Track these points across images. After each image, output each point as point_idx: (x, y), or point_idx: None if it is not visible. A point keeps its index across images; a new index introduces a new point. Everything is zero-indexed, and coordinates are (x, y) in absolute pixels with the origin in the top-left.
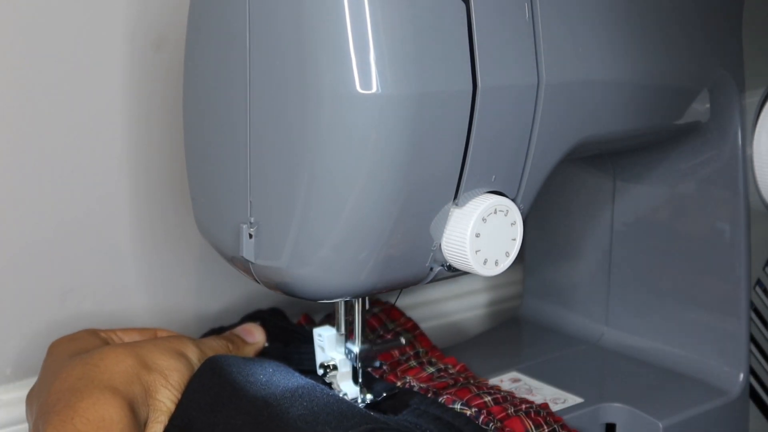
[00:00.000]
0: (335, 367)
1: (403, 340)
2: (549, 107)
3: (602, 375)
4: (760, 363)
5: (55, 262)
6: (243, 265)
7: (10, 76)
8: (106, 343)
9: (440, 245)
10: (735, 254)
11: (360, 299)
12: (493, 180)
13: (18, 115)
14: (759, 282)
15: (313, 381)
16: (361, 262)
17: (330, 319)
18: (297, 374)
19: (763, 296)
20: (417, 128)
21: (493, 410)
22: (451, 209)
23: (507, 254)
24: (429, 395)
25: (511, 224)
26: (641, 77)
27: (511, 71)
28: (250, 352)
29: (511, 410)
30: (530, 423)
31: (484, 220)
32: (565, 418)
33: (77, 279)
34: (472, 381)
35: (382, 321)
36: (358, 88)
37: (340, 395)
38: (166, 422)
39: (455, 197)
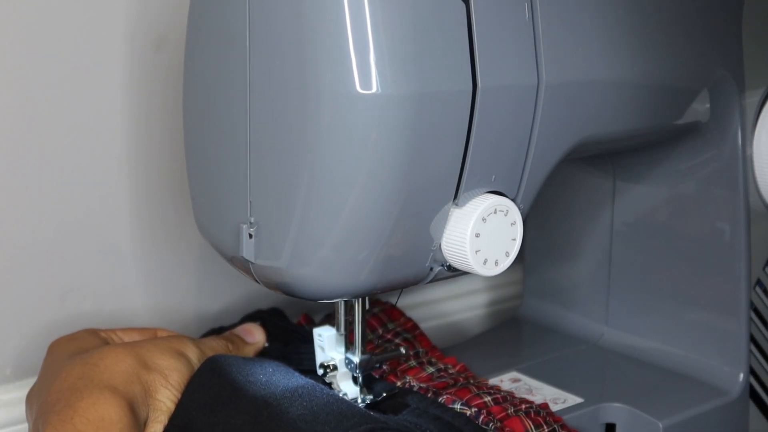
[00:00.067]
0: (335, 367)
1: (402, 350)
2: (549, 107)
3: (602, 375)
4: (760, 363)
5: (55, 262)
6: (243, 265)
7: (10, 76)
8: (106, 342)
9: (440, 245)
10: (735, 254)
11: (360, 299)
12: (493, 180)
13: (18, 115)
14: (759, 282)
15: (312, 381)
16: (361, 262)
17: (330, 319)
18: (297, 374)
19: (763, 296)
20: (417, 128)
21: (493, 410)
22: (451, 209)
23: (507, 254)
24: (429, 395)
25: (511, 224)
26: (641, 77)
27: (511, 71)
28: (250, 352)
29: (511, 410)
30: (530, 423)
31: (484, 220)
32: (565, 418)
33: (77, 279)
34: (472, 381)
35: (382, 321)
36: (358, 88)
37: (340, 395)
38: (166, 422)
39: (455, 197)
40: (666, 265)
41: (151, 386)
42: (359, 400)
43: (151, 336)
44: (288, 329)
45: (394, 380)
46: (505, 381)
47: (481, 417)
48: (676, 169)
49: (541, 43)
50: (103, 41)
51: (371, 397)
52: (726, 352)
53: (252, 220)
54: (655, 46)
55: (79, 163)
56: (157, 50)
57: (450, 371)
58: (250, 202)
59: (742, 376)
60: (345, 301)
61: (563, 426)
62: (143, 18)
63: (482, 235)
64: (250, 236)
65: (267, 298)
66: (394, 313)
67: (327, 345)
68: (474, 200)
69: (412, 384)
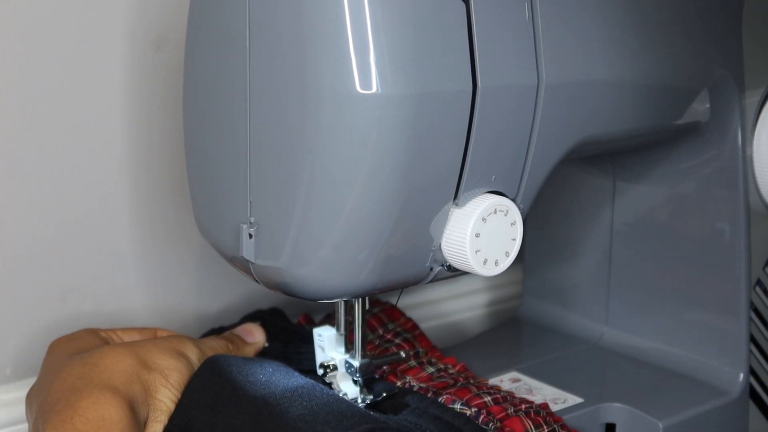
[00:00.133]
0: (335, 367)
1: (402, 354)
2: (549, 107)
3: (602, 375)
4: (760, 363)
5: (55, 262)
6: (243, 265)
7: (10, 76)
8: (106, 342)
9: (440, 245)
10: (735, 254)
11: (360, 299)
12: (493, 180)
13: (18, 115)
14: (759, 282)
15: (312, 381)
16: (361, 262)
17: (330, 319)
18: (297, 374)
19: (763, 296)
20: (417, 128)
21: (492, 410)
22: (451, 209)
23: (507, 254)
24: (429, 395)
25: (511, 224)
26: (641, 77)
27: (511, 71)
28: (250, 352)
29: (510, 410)
30: (530, 423)
31: (484, 220)
32: (565, 418)
33: (77, 279)
34: (471, 381)
35: (382, 321)
36: (358, 88)
37: (340, 395)
38: (166, 422)
39: (455, 197)
40: (666, 265)
41: (151, 386)
42: (359, 400)
43: (151, 336)
44: (288, 329)
45: (394, 380)
46: (505, 381)
47: (481, 417)
48: (676, 169)
49: (541, 43)
50: (103, 41)
51: (371, 397)
52: (726, 352)
53: (252, 220)
54: (655, 46)
55: (79, 163)
56: (157, 50)
57: (450, 371)
58: (250, 202)
59: (742, 376)
60: (345, 301)
61: (563, 426)
62: (143, 18)
63: (482, 235)
64: (250, 236)
65: (267, 298)
66: (394, 313)
67: (327, 345)
68: (474, 200)
69: (412, 384)
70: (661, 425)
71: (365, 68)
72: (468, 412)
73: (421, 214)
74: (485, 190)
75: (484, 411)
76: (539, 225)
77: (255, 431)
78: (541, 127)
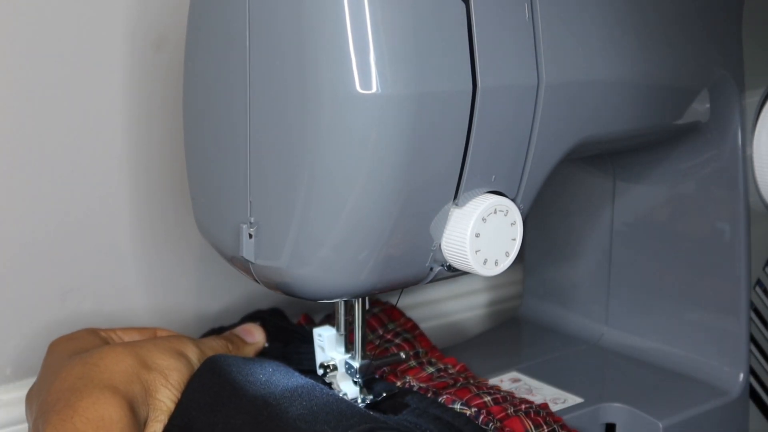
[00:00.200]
0: (335, 367)
1: (403, 355)
2: (549, 107)
3: (602, 375)
4: (760, 363)
5: (55, 262)
6: (243, 265)
7: (10, 76)
8: (106, 342)
9: (440, 245)
10: (735, 254)
11: (360, 299)
12: (493, 180)
13: (18, 115)
14: (759, 282)
15: (312, 381)
16: (361, 262)
17: (330, 319)
18: (296, 374)
19: (763, 296)
20: (417, 128)
21: (492, 410)
22: (451, 209)
23: (507, 254)
24: (429, 395)
25: (511, 224)
26: (641, 77)
27: (511, 71)
28: (249, 352)
29: (510, 410)
30: (530, 423)
31: (484, 220)
32: (565, 418)
33: (77, 279)
34: (471, 381)
35: (382, 321)
36: (358, 88)
37: (340, 395)
38: (166, 421)
39: (455, 197)
40: (666, 265)
41: (151, 386)
42: (359, 400)
43: (151, 336)
44: (288, 329)
45: (394, 380)
46: (505, 381)
47: (481, 417)
48: (676, 169)
49: (541, 43)
50: (103, 41)
51: (371, 397)
52: (726, 352)
53: (252, 220)
54: (655, 46)
55: (79, 163)
56: (157, 50)
57: (450, 371)
58: (250, 202)
59: (742, 376)
60: (345, 301)
61: (563, 426)
62: (143, 18)
63: (482, 235)
64: (250, 236)
65: (267, 298)
66: (394, 313)
67: (327, 345)
68: (474, 200)
69: (411, 384)
70: (661, 425)
71: (365, 68)
72: (468, 412)
73: (421, 214)
74: (485, 190)
75: (484, 411)
76: (539, 225)
77: (255, 431)
78: (541, 127)
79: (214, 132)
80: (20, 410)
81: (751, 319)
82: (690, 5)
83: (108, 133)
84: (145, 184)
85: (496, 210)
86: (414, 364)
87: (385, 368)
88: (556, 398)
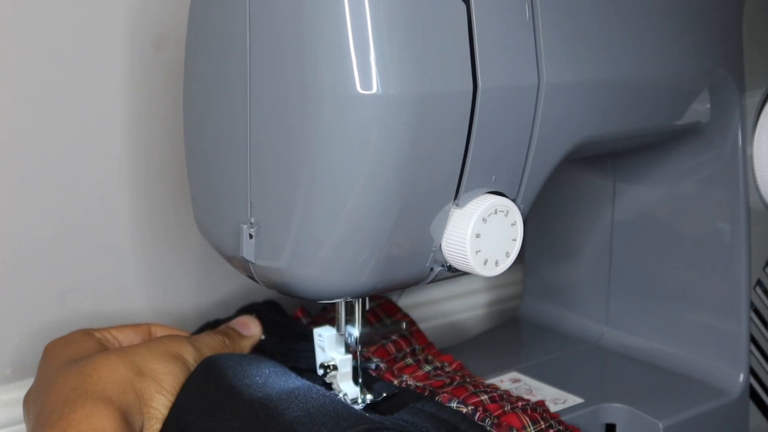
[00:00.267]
0: (335, 368)
1: (404, 325)
2: (549, 107)
3: (602, 375)
4: (760, 363)
5: (55, 262)
6: (243, 265)
7: (10, 76)
8: (101, 344)
9: (440, 246)
10: (735, 254)
11: (360, 299)
12: (493, 180)
13: (18, 115)
14: (759, 282)
15: (309, 382)
16: (362, 262)
17: (326, 312)
18: (293, 375)
19: (763, 296)
20: (417, 129)
21: (489, 407)
22: (452, 209)
23: (507, 254)
24: (425, 394)
25: (512, 225)
26: (641, 77)
27: (511, 72)
28: (246, 345)
29: (507, 407)
30: (527, 419)
31: (484, 220)
32: (565, 418)
33: (77, 279)
34: (468, 380)
35: (379, 317)
36: (358, 88)
37: (340, 395)
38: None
39: (455, 197)
40: (666, 266)
41: (146, 393)
42: (359, 401)
43: (146, 332)
44: (284, 324)
45: (391, 378)
46: (505, 381)
47: (478, 414)
48: (676, 169)
49: (541, 43)
50: (103, 41)
51: (371, 396)
52: (726, 352)
53: (252, 220)
54: (655, 47)
55: (79, 163)
56: (157, 50)
57: (446, 369)
58: (251, 202)
59: (742, 376)
60: (345, 301)
61: (560, 422)
62: (143, 18)
63: (482, 235)
64: (251, 236)
65: (264, 293)
66: (390, 308)
67: (327, 345)
68: (474, 201)
69: (408, 383)
70: (661, 425)
71: (365, 68)
72: (464, 410)
73: (422, 214)
74: (486, 191)
75: (481, 408)
76: (539, 225)
77: None
78: (541, 127)
79: (214, 132)
80: (20, 410)
81: (751, 319)
82: (690, 5)
83: (108, 133)
84: (145, 184)
85: (496, 210)
86: (411, 362)
87: (381, 366)
88: (556, 398)
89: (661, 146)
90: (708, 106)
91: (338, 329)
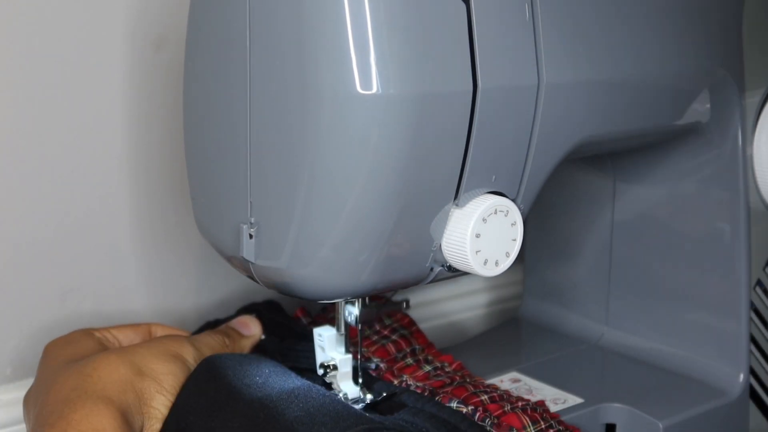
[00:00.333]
0: (335, 367)
1: (405, 304)
2: (549, 107)
3: (602, 375)
4: (760, 363)
5: (55, 262)
6: (243, 265)
7: (10, 76)
8: (101, 343)
9: (440, 246)
10: (735, 254)
11: (360, 299)
12: (493, 180)
13: (18, 115)
14: (759, 282)
15: (309, 382)
16: (362, 262)
17: (326, 312)
18: (293, 375)
19: (763, 296)
20: (417, 129)
21: (489, 407)
22: (452, 209)
23: (507, 254)
24: (425, 394)
25: (512, 225)
26: (641, 77)
27: (511, 72)
28: (246, 344)
29: (507, 407)
30: (527, 419)
31: (484, 220)
32: (565, 418)
33: (77, 279)
34: (468, 380)
35: (379, 317)
36: (358, 88)
37: (340, 395)
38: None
39: (455, 198)
40: (666, 265)
41: (146, 393)
42: (359, 400)
43: (146, 332)
44: (284, 324)
45: (391, 378)
46: (505, 381)
47: (478, 414)
48: (676, 169)
49: (541, 43)
50: (103, 41)
51: (371, 396)
52: (726, 352)
53: (252, 220)
54: (655, 47)
55: (79, 163)
56: (157, 50)
57: (446, 369)
58: (251, 202)
59: (742, 376)
60: (345, 301)
61: (560, 422)
62: (143, 18)
63: (482, 235)
64: (251, 236)
65: (264, 292)
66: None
67: (327, 345)
68: (474, 201)
69: (408, 383)
70: (661, 425)
71: (365, 68)
72: (464, 410)
73: (422, 214)
74: (485, 191)
75: (481, 408)
76: (539, 225)
77: None
78: (541, 127)
79: (214, 132)
80: (20, 410)
81: (751, 319)
82: (690, 5)
83: (108, 133)
84: (145, 184)
85: (496, 210)
86: (411, 362)
87: (381, 367)
88: (557, 398)
89: (661, 146)
90: (708, 106)
91: (338, 329)
